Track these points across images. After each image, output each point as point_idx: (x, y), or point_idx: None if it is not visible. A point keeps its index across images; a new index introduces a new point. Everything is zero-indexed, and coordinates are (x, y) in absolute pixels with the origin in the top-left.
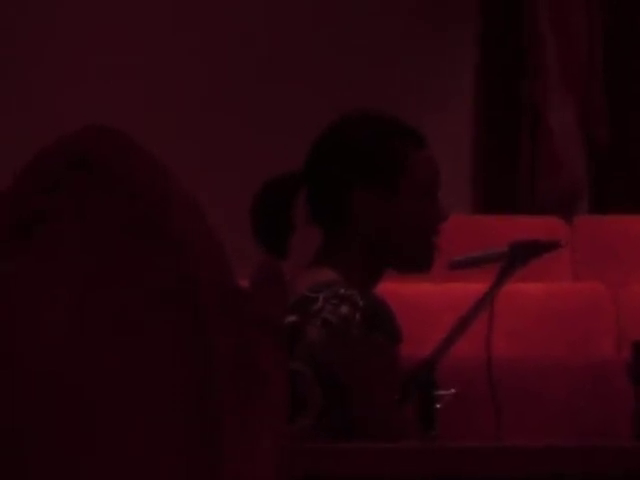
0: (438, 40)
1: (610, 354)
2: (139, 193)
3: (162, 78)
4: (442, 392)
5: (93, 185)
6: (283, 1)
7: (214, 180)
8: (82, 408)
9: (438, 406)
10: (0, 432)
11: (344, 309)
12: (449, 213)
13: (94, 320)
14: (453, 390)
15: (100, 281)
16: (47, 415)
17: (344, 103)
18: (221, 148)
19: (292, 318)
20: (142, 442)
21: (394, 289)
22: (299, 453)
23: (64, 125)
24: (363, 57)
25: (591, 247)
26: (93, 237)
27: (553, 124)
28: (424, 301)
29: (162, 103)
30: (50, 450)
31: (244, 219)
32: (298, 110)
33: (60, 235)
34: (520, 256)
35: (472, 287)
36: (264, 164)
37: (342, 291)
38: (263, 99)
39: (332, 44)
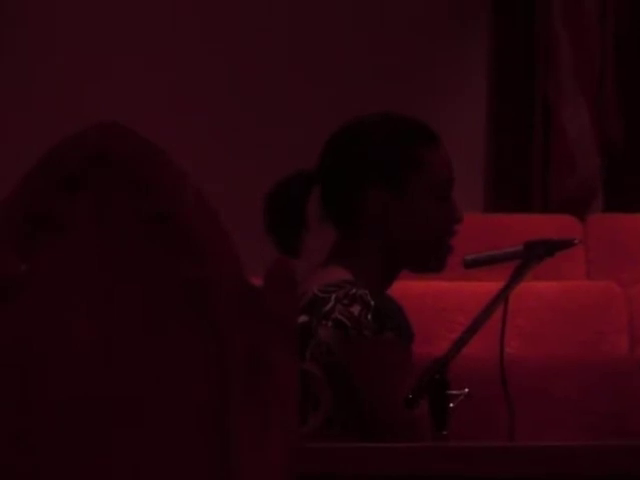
0: (450, 39)
1: (623, 353)
2: (155, 195)
3: (166, 77)
4: (455, 392)
5: (109, 186)
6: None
7: (224, 181)
8: (99, 409)
9: (451, 405)
10: (22, 440)
11: (355, 309)
12: (463, 214)
13: (111, 324)
14: (466, 390)
15: (115, 285)
16: (66, 423)
17: (356, 101)
18: (232, 148)
19: (303, 318)
20: (155, 444)
21: (407, 287)
22: (304, 453)
23: (67, 125)
24: (374, 56)
25: (605, 246)
26: (108, 239)
27: (566, 123)
28: (437, 299)
29: (165, 103)
30: (70, 456)
31: (255, 219)
32: (312, 110)
33: (75, 238)
34: (535, 254)
35: (486, 286)
36: (276, 164)
37: (353, 291)
38: (278, 100)
39: (343, 42)
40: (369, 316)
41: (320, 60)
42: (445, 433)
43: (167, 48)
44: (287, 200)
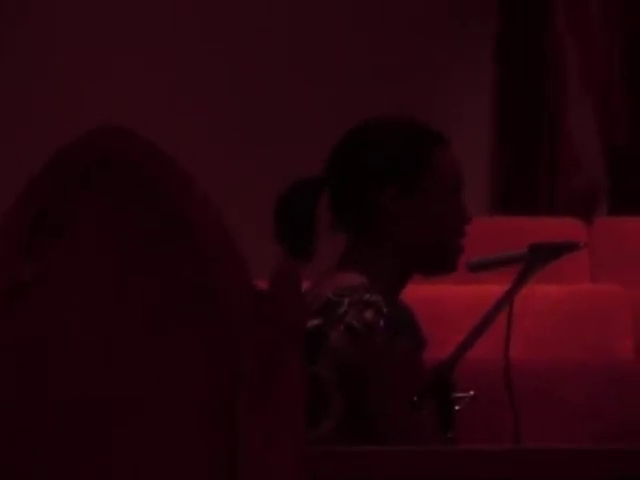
0: (450, 39)
1: (628, 357)
2: (160, 198)
3: (166, 77)
4: (460, 395)
5: (113, 188)
6: (303, 1)
7: (224, 181)
8: (99, 409)
9: (457, 408)
10: (22, 440)
11: (368, 315)
12: (472, 214)
13: (111, 324)
14: (472, 392)
15: (116, 287)
16: (66, 423)
17: (356, 101)
18: (232, 148)
19: (316, 322)
20: (155, 444)
21: (411, 290)
22: (315, 457)
23: (67, 125)
24: (374, 56)
25: (610, 249)
26: (110, 242)
27: (572, 125)
28: (442, 303)
29: (165, 103)
30: (70, 456)
31: (254, 219)
32: (312, 110)
33: (78, 241)
34: (539, 258)
35: (490, 289)
36: (276, 164)
37: (367, 296)
38: (278, 100)
39: (343, 42)
40: (381, 322)
41: (320, 60)
42: (450, 436)
43: (167, 48)
44: (299, 204)
